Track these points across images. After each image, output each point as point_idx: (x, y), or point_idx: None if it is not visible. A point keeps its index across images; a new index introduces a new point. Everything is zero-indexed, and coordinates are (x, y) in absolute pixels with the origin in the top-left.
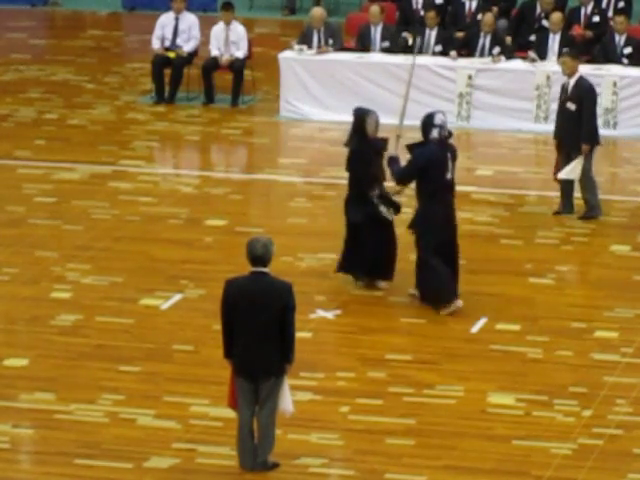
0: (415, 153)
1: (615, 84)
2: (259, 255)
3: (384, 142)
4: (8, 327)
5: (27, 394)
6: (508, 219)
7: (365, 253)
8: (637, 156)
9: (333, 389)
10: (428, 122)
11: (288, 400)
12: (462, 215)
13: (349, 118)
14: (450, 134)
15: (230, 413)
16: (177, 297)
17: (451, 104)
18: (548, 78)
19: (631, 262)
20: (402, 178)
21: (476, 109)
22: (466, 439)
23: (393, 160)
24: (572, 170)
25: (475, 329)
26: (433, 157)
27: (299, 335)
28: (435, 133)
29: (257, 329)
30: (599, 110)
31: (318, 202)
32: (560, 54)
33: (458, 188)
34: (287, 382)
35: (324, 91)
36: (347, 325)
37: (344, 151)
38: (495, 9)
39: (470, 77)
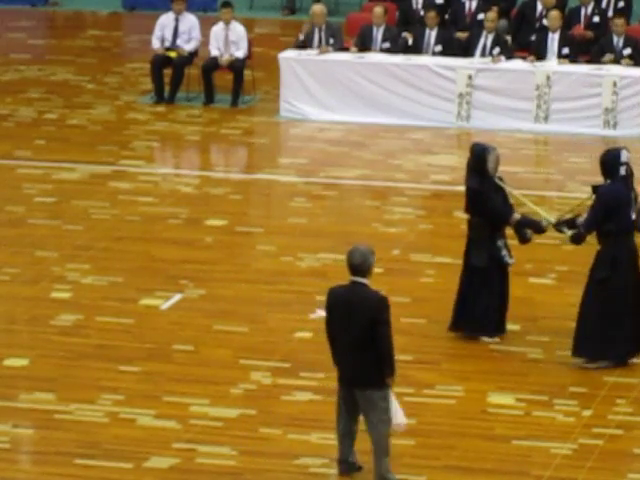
0: (599, 192)
1: (615, 84)
2: (356, 264)
3: (501, 179)
4: (8, 327)
5: (27, 394)
6: None
7: (478, 306)
8: (637, 156)
9: (333, 389)
10: (614, 160)
11: (399, 414)
12: (462, 215)
13: (349, 118)
14: (632, 173)
15: (230, 413)
16: (177, 297)
17: (451, 104)
18: (548, 78)
19: None
20: (589, 225)
21: (476, 109)
22: (466, 439)
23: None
24: None
25: None
26: (620, 196)
27: (299, 335)
28: (622, 171)
29: (350, 339)
30: (599, 110)
31: (318, 202)
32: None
33: (459, 188)
34: (393, 396)
35: (324, 91)
36: None
37: (344, 151)
38: (495, 9)
39: (470, 77)
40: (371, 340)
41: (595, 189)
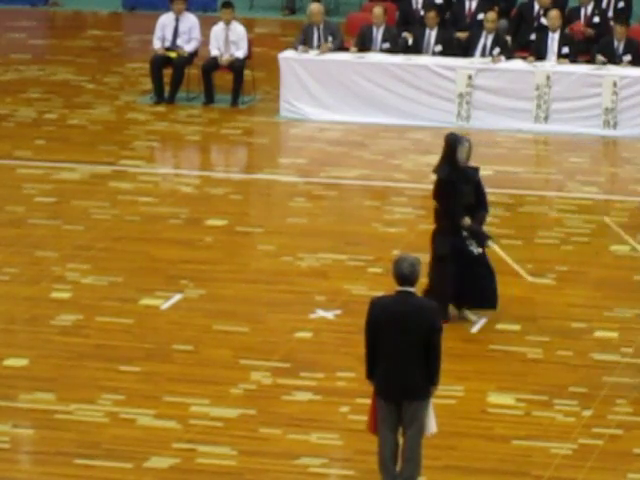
0: None
1: (615, 84)
2: (406, 274)
3: (475, 170)
4: (8, 327)
5: (27, 394)
6: (508, 219)
7: (450, 285)
8: (637, 156)
9: (333, 389)
10: None
11: (432, 422)
12: None
13: (349, 118)
14: None
15: (230, 413)
16: (177, 297)
17: (451, 104)
18: (548, 78)
19: (631, 262)
20: None
21: (476, 109)
22: (466, 439)
23: None
24: None
25: (475, 329)
26: None
27: (299, 335)
28: None
29: (401, 350)
30: (599, 110)
31: (318, 202)
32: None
33: None
34: (432, 404)
35: (324, 91)
36: (347, 325)
37: (344, 151)
38: (495, 9)
39: (470, 77)
40: (424, 349)
41: None
